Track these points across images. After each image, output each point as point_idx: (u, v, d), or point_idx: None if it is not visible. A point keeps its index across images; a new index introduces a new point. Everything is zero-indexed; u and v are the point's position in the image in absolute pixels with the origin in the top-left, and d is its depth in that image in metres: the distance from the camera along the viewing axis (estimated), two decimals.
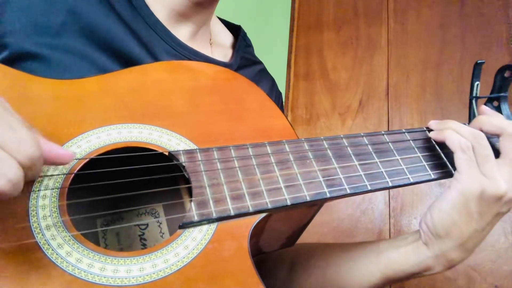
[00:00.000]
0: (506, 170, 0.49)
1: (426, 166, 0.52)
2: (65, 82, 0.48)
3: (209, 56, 0.65)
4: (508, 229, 1.23)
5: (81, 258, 0.38)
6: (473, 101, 0.58)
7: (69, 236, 0.39)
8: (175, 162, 0.46)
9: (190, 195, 0.46)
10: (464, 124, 0.54)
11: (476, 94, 0.58)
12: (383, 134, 0.54)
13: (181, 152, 0.46)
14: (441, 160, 0.53)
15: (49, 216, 0.39)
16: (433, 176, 0.52)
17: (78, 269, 0.37)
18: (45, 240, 0.38)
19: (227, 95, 0.54)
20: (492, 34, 1.45)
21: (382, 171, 0.50)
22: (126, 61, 0.56)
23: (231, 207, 0.44)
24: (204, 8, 0.64)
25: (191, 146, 0.48)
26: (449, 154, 0.53)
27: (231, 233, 0.43)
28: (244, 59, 0.73)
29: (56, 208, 0.40)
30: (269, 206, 0.45)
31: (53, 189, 0.41)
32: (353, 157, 0.51)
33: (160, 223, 0.54)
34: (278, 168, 0.48)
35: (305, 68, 1.68)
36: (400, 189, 1.37)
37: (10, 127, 0.33)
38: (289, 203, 0.45)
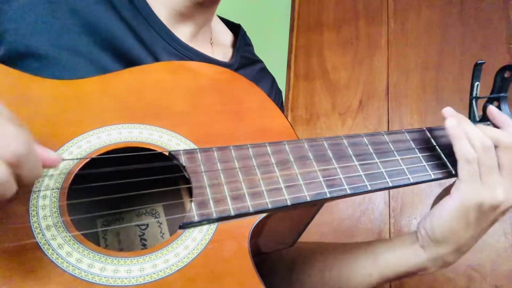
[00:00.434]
0: (503, 181, 0.50)
1: (426, 166, 0.52)
2: (65, 82, 0.48)
3: (210, 56, 0.65)
4: (508, 229, 1.23)
5: (81, 258, 0.38)
6: (473, 102, 0.58)
7: (70, 236, 0.39)
8: (175, 162, 0.46)
9: (190, 195, 0.46)
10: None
11: (476, 94, 0.58)
12: (383, 135, 0.54)
13: (181, 152, 0.46)
14: (441, 160, 0.53)
15: (49, 216, 0.39)
16: (433, 177, 0.52)
17: (79, 269, 0.37)
18: (46, 240, 0.38)
19: (227, 96, 0.54)
20: (492, 34, 1.45)
21: (382, 171, 0.50)
22: (127, 60, 0.56)
23: (231, 207, 0.44)
24: (205, 8, 0.64)
25: (192, 146, 0.48)
26: (449, 154, 0.53)
27: (231, 233, 0.43)
28: (244, 58, 0.73)
29: (57, 208, 0.40)
30: (269, 206, 0.45)
31: (54, 189, 0.41)
32: (353, 157, 0.51)
33: (160, 223, 0.55)
34: (278, 168, 0.48)
35: (305, 68, 1.68)
36: (400, 189, 1.37)
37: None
38: (289, 203, 0.45)
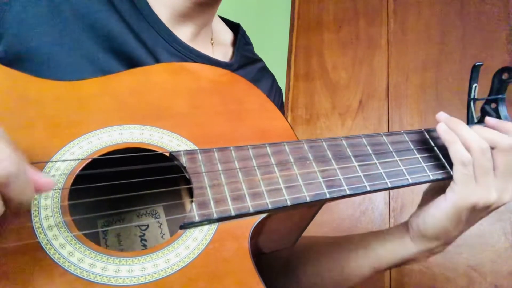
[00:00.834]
0: (496, 181, 0.51)
1: (425, 167, 0.53)
2: (66, 83, 0.48)
3: (210, 56, 0.66)
4: (508, 229, 1.24)
5: (83, 258, 0.38)
6: (471, 103, 0.59)
7: (71, 236, 0.39)
8: (176, 163, 0.47)
9: (191, 196, 0.46)
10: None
11: (474, 96, 0.58)
12: (382, 136, 0.54)
13: (182, 153, 0.47)
14: (439, 161, 0.54)
15: (51, 216, 0.40)
16: (431, 177, 0.52)
17: (80, 268, 0.37)
18: (47, 240, 0.38)
19: (228, 97, 0.54)
20: (492, 34, 1.46)
21: (381, 172, 0.51)
22: (128, 61, 0.56)
23: (231, 208, 0.44)
24: (205, 9, 0.65)
25: (192, 147, 0.48)
26: (448, 155, 0.53)
27: (232, 233, 0.43)
28: (245, 57, 0.73)
29: (58, 209, 0.40)
30: (270, 206, 0.45)
31: (55, 189, 0.41)
32: (352, 158, 0.51)
33: (161, 224, 0.55)
34: (278, 169, 0.48)
35: (305, 68, 1.68)
36: (400, 189, 1.37)
37: None
38: (289, 203, 0.46)
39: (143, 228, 0.54)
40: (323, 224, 1.38)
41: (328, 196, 0.47)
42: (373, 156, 0.52)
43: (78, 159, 0.43)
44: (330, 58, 1.66)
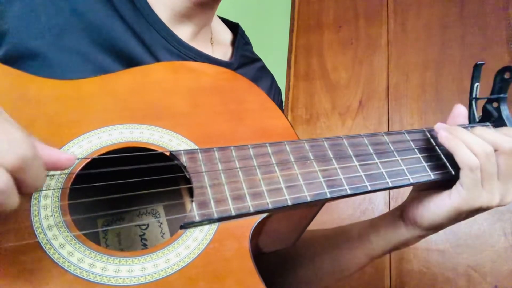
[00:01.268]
0: (498, 184, 0.51)
1: (426, 166, 0.53)
2: (66, 82, 0.48)
3: (210, 55, 0.66)
4: (508, 229, 1.24)
5: (82, 258, 0.38)
6: (473, 103, 0.58)
7: (71, 236, 0.39)
8: (176, 162, 0.46)
9: (191, 195, 0.46)
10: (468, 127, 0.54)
11: (476, 95, 0.58)
12: (383, 135, 0.54)
13: (182, 152, 0.46)
14: (441, 160, 0.53)
15: (51, 216, 0.39)
16: (433, 177, 0.52)
17: (80, 268, 0.37)
18: (47, 240, 0.38)
19: (228, 96, 0.54)
20: (492, 34, 1.46)
21: (382, 172, 0.51)
22: (128, 60, 0.56)
23: (232, 208, 0.44)
24: (205, 9, 0.64)
25: (192, 146, 0.48)
26: (449, 155, 0.53)
27: (232, 233, 0.43)
28: (244, 57, 0.73)
29: (58, 208, 0.40)
30: (270, 206, 0.45)
31: (55, 189, 0.41)
32: (353, 157, 0.51)
33: (161, 223, 0.55)
34: (279, 168, 0.48)
35: (305, 68, 1.68)
36: (400, 189, 1.37)
37: (3, 129, 0.31)
38: (289, 203, 0.46)
39: (143, 227, 0.54)
40: (323, 224, 1.37)
41: (328, 195, 0.47)
42: (374, 155, 0.52)
43: (78, 159, 0.43)
44: (330, 58, 1.66)
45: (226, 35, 0.76)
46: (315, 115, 1.60)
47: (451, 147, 0.51)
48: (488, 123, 0.58)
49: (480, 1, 1.50)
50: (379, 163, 0.51)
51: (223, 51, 0.72)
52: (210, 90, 0.54)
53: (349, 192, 0.48)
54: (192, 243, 0.41)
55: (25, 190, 0.32)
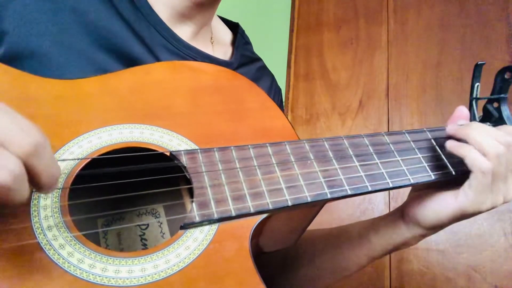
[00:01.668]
0: (501, 184, 0.51)
1: (427, 167, 0.52)
2: (66, 82, 0.48)
3: (211, 55, 0.66)
4: (508, 229, 1.24)
5: (82, 259, 0.38)
6: (473, 102, 0.58)
7: (71, 236, 0.39)
8: (176, 162, 0.46)
9: (191, 196, 0.46)
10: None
11: (477, 95, 0.58)
12: (383, 135, 0.54)
13: (182, 152, 0.46)
14: (441, 161, 0.53)
15: (50, 216, 0.39)
16: (433, 177, 0.52)
17: (80, 269, 0.37)
18: (47, 240, 0.38)
19: (228, 96, 0.54)
20: (492, 34, 1.46)
21: (382, 172, 0.50)
22: (128, 60, 0.56)
23: (232, 208, 0.44)
24: (205, 8, 0.64)
25: (192, 146, 0.48)
26: (450, 155, 0.53)
27: (233, 233, 0.43)
28: (244, 56, 0.73)
29: (58, 209, 0.40)
30: (270, 206, 0.45)
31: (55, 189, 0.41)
32: (353, 158, 0.51)
33: (161, 224, 0.55)
34: (279, 169, 0.48)
35: (305, 68, 1.68)
36: (400, 189, 1.37)
37: (9, 115, 0.31)
38: (290, 203, 0.45)
39: (144, 227, 0.54)
40: (323, 224, 1.37)
41: (329, 196, 0.47)
42: (374, 155, 0.52)
43: (78, 159, 0.43)
44: (330, 58, 1.66)
45: (226, 34, 0.76)
46: (315, 115, 1.60)
47: (460, 154, 0.50)
48: (488, 123, 0.58)
49: (480, 1, 1.50)
50: (379, 164, 0.51)
51: (223, 51, 0.72)
52: (210, 89, 0.54)
53: (349, 192, 0.48)
54: (192, 243, 0.41)
55: (38, 179, 0.32)
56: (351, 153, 0.51)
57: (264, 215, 0.45)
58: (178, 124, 0.49)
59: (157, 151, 0.46)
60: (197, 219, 0.42)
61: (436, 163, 0.53)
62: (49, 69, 0.51)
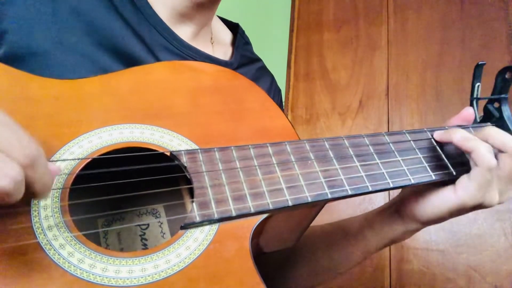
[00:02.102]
0: (500, 184, 0.51)
1: (427, 167, 0.52)
2: (66, 82, 0.48)
3: (211, 55, 0.66)
4: (508, 229, 1.24)
5: (83, 259, 0.38)
6: (474, 103, 0.58)
7: (71, 236, 0.39)
8: (176, 162, 0.46)
9: (191, 196, 0.46)
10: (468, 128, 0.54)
11: (477, 95, 0.58)
12: (384, 135, 0.54)
13: (182, 152, 0.46)
14: (442, 161, 0.53)
15: (51, 216, 0.39)
16: (434, 177, 0.52)
17: (80, 269, 0.37)
18: (47, 240, 0.38)
19: (228, 95, 0.54)
20: (492, 34, 1.46)
21: (383, 172, 0.50)
22: (128, 60, 0.56)
23: (232, 208, 0.44)
24: (205, 9, 0.64)
25: (193, 146, 0.48)
26: (450, 155, 0.53)
27: (233, 233, 0.43)
28: (244, 57, 0.73)
29: (58, 209, 0.40)
30: (271, 207, 0.45)
31: (55, 189, 0.41)
32: (354, 158, 0.51)
33: (161, 223, 0.55)
34: (280, 169, 0.48)
35: (305, 68, 1.68)
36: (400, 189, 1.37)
37: (9, 128, 0.33)
38: (290, 204, 0.45)
39: (144, 227, 0.54)
40: (322, 223, 1.38)
41: (329, 196, 0.47)
42: (375, 155, 0.52)
43: (78, 159, 0.43)
44: (330, 58, 1.66)
45: (226, 35, 0.76)
46: (315, 115, 1.60)
47: (469, 147, 0.50)
48: (489, 123, 0.58)
49: (480, 1, 1.50)
50: (380, 164, 0.51)
51: (223, 51, 0.72)
52: (210, 89, 0.54)
53: (350, 192, 0.48)
54: (193, 243, 0.41)
55: (32, 188, 0.34)
56: (352, 153, 0.51)
57: (265, 215, 0.45)
58: (178, 124, 0.49)
59: (158, 151, 0.46)
60: (198, 219, 0.42)
61: (437, 163, 0.53)
62: (49, 69, 0.51)
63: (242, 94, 0.55)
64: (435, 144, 0.55)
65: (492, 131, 0.51)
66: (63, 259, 0.37)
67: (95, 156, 0.44)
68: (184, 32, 0.64)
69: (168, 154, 0.46)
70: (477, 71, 0.57)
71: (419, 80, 1.51)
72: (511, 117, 0.56)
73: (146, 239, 0.54)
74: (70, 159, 0.43)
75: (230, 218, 0.43)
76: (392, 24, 1.61)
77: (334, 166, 0.50)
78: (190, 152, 0.47)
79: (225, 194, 0.44)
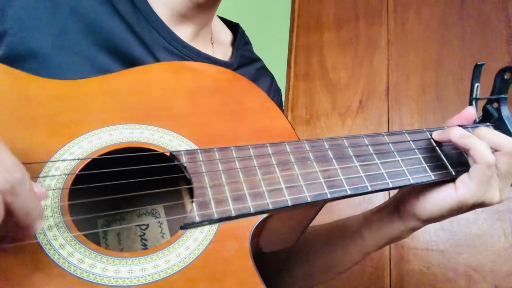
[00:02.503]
0: (499, 183, 0.51)
1: (427, 167, 0.52)
2: (66, 82, 0.48)
3: (211, 55, 0.66)
4: (508, 229, 1.24)
5: (82, 259, 0.38)
6: (473, 103, 0.58)
7: (71, 236, 0.39)
8: (176, 162, 0.46)
9: (191, 196, 0.46)
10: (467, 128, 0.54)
11: (476, 95, 0.58)
12: (383, 135, 0.54)
13: (182, 152, 0.46)
14: (441, 161, 0.53)
15: (51, 216, 0.39)
16: (433, 178, 0.52)
17: (80, 269, 0.37)
18: (47, 240, 0.38)
19: (228, 96, 0.54)
20: (492, 34, 1.46)
21: (382, 172, 0.50)
22: (128, 60, 0.56)
23: (232, 208, 0.44)
24: (205, 9, 0.64)
25: (192, 146, 0.48)
26: (449, 155, 0.53)
27: (233, 233, 0.43)
28: (244, 57, 0.73)
29: (58, 209, 0.40)
30: (270, 207, 0.45)
31: (55, 189, 0.41)
32: (353, 158, 0.51)
33: (161, 224, 0.55)
34: (279, 169, 0.48)
35: (305, 68, 1.68)
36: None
37: None
38: (290, 204, 0.45)
39: (143, 227, 0.54)
40: (322, 223, 1.38)
41: (329, 196, 0.47)
42: (374, 156, 0.52)
43: (78, 159, 0.43)
44: (330, 58, 1.66)
45: (226, 35, 0.76)
46: (315, 115, 1.60)
47: (467, 144, 0.50)
48: (488, 124, 0.58)
49: (480, 1, 1.50)
50: (379, 164, 0.51)
51: (223, 51, 0.72)
52: (210, 90, 0.54)
53: (349, 192, 0.48)
54: (193, 243, 0.41)
55: (16, 214, 0.32)
56: (351, 153, 0.51)
57: (264, 215, 0.45)
58: (178, 125, 0.49)
59: (157, 151, 0.46)
60: (197, 219, 0.42)
61: (436, 163, 0.53)
62: (49, 70, 0.51)
63: (242, 95, 0.55)
64: (434, 144, 0.55)
65: (484, 131, 0.51)
66: (63, 259, 0.37)
67: (95, 156, 0.44)
68: (184, 32, 0.64)
69: (168, 154, 0.46)
70: (476, 72, 0.58)
71: (419, 80, 1.51)
72: (510, 117, 0.56)
73: (146, 239, 0.54)
74: (70, 159, 0.43)
75: (229, 218, 0.43)
76: (392, 24, 1.61)
77: (333, 166, 0.50)
78: (190, 152, 0.47)
79: (225, 194, 0.45)
